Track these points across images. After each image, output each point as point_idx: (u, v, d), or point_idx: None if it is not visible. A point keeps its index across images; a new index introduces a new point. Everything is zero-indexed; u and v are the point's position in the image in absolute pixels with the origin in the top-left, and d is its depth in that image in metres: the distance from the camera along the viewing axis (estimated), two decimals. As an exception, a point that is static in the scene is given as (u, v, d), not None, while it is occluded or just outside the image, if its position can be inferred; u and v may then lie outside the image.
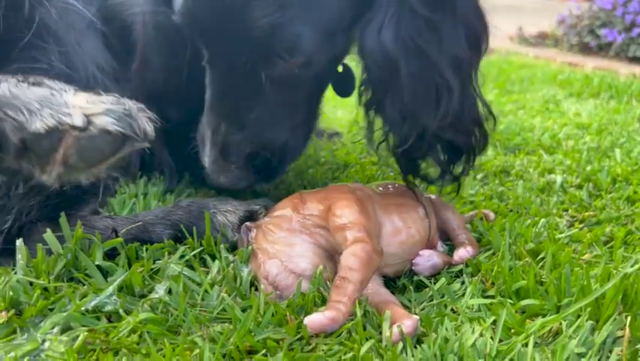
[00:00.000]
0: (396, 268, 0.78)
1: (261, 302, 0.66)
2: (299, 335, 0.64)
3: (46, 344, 0.62)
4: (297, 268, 0.70)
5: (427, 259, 0.79)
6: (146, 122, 0.67)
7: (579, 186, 1.17)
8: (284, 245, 0.72)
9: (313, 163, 1.15)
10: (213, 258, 0.77)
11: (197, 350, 0.59)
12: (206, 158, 0.82)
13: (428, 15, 0.74)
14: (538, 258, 0.82)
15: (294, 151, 0.88)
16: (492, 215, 0.95)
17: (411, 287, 0.76)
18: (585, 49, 3.29)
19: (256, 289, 0.71)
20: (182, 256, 0.76)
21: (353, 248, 0.68)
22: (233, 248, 0.79)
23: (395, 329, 0.62)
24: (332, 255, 0.73)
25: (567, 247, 0.86)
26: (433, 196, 0.92)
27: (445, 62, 0.76)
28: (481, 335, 0.64)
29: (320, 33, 0.76)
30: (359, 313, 0.63)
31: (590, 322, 0.66)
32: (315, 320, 0.61)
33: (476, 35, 0.81)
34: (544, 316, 0.69)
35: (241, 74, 0.77)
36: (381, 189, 0.85)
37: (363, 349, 0.60)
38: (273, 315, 0.65)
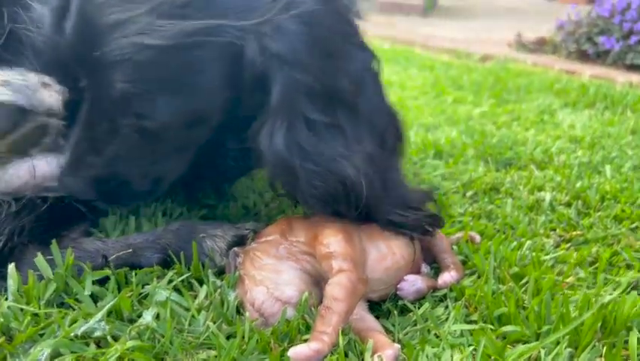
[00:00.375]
0: (382, 293, 0.79)
1: (246, 329, 0.68)
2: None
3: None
4: (283, 295, 0.71)
5: (412, 284, 0.81)
6: (49, 95, 0.66)
7: (568, 204, 1.19)
8: (271, 272, 0.73)
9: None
10: (201, 283, 0.79)
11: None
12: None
13: (322, 119, 0.75)
14: (522, 282, 0.84)
15: (139, 190, 0.86)
16: (478, 238, 0.97)
17: (395, 311, 0.77)
18: (583, 56, 3.29)
19: (242, 315, 0.72)
20: (170, 281, 0.77)
21: (338, 278, 0.70)
22: (220, 273, 0.80)
23: (376, 359, 0.64)
24: (318, 281, 0.75)
25: (551, 270, 0.88)
26: None
27: (353, 158, 0.77)
28: (460, 363, 0.65)
29: (181, 108, 0.76)
30: (342, 343, 0.65)
31: (569, 349, 0.68)
32: (300, 351, 0.63)
33: (381, 133, 0.83)
34: (524, 343, 0.71)
35: (105, 110, 0.77)
36: None
37: (344, 378, 0.61)
38: (257, 342, 0.67)
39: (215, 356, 0.65)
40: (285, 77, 0.73)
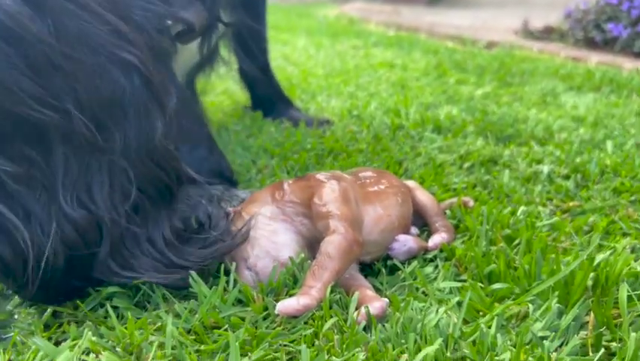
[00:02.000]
0: (375, 256, 0.78)
1: (231, 280, 0.67)
2: (265, 313, 0.64)
3: (16, 316, 0.63)
4: (281, 256, 0.70)
5: (403, 244, 0.79)
6: None
7: (566, 177, 1.17)
8: (266, 231, 0.72)
9: (298, 149, 1.15)
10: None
11: (160, 324, 0.59)
12: None
13: None
14: (514, 244, 0.82)
15: None
16: (471, 202, 0.95)
17: (384, 271, 0.76)
18: (591, 43, 3.25)
19: (226, 273, 0.71)
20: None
21: (334, 237, 0.68)
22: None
23: (362, 309, 0.63)
24: (312, 243, 0.73)
25: (545, 235, 0.86)
26: (410, 182, 0.92)
27: None
28: (447, 315, 0.64)
29: None
30: (328, 295, 0.64)
31: (558, 305, 0.66)
32: (289, 305, 0.61)
33: None
34: (514, 300, 0.69)
35: None
36: (360, 175, 0.85)
37: (326, 326, 0.60)
38: (239, 292, 0.66)
39: (197, 305, 0.64)
40: None
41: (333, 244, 0.68)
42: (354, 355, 0.54)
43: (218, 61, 1.18)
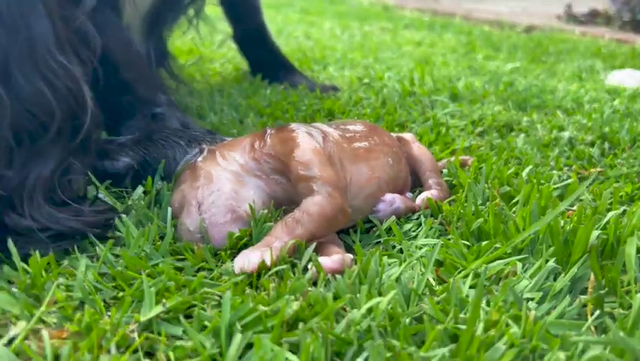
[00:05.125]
0: (355, 221, 0.68)
1: (168, 226, 0.58)
2: (202, 264, 0.55)
3: None
4: (238, 209, 0.60)
5: (390, 204, 0.69)
6: None
7: (591, 144, 1.04)
8: (234, 179, 0.61)
9: (291, 108, 1.06)
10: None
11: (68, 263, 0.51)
12: None
13: None
14: (512, 202, 0.71)
15: None
16: (471, 160, 0.84)
17: (358, 228, 0.66)
18: (638, 26, 3.05)
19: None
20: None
21: (319, 198, 0.58)
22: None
23: (319, 259, 0.53)
24: (285, 205, 0.63)
25: (549, 190, 0.74)
26: (407, 135, 0.81)
27: None
28: (412, 270, 0.54)
29: None
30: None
31: (555, 265, 0.55)
32: (251, 261, 0.52)
33: None
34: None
35: None
36: (348, 128, 0.74)
37: (265, 275, 0.51)
38: (174, 241, 0.57)
39: (124, 250, 0.56)
40: None
41: (317, 206, 0.58)
42: (286, 303, 0.45)
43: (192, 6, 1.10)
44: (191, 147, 0.70)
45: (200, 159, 0.64)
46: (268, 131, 0.64)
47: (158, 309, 0.46)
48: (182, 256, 0.57)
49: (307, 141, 0.63)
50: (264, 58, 1.34)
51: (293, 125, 0.65)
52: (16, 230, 0.54)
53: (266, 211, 0.59)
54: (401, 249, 0.61)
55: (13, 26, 0.55)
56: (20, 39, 0.55)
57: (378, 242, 0.64)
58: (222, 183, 0.60)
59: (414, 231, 0.66)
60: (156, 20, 1.03)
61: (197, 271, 0.54)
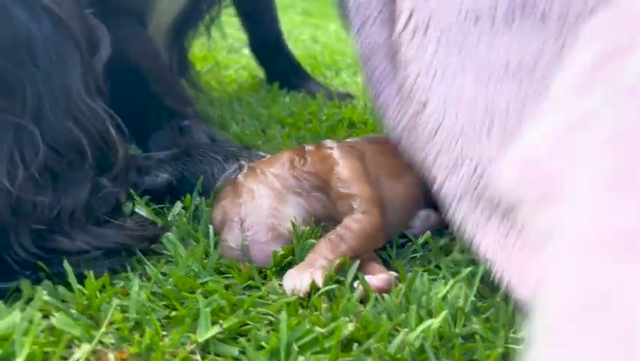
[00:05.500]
0: (392, 236, 0.69)
1: (211, 244, 0.60)
2: (249, 282, 0.56)
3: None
4: (280, 227, 0.60)
5: (425, 219, 0.70)
6: None
7: None
8: (275, 196, 0.62)
9: (312, 118, 1.07)
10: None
11: (121, 283, 0.52)
12: None
13: None
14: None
15: None
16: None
17: (394, 244, 0.67)
18: None
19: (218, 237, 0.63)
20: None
21: (361, 216, 0.59)
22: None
23: (367, 278, 0.54)
24: (324, 222, 0.63)
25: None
26: None
27: None
28: (458, 288, 0.55)
29: None
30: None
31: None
32: (303, 282, 0.53)
33: None
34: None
35: None
36: (380, 143, 0.75)
37: (315, 295, 0.52)
38: (219, 258, 0.58)
39: (171, 268, 0.57)
40: None
41: (357, 223, 0.59)
42: (340, 325, 0.46)
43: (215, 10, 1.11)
44: (228, 162, 0.71)
45: (240, 175, 0.65)
46: (307, 148, 0.65)
47: (215, 330, 0.47)
48: (228, 274, 0.58)
49: (346, 159, 0.64)
50: (280, 66, 1.35)
51: (330, 143, 0.66)
52: (66, 252, 0.55)
53: (307, 228, 0.60)
54: (437, 265, 0.63)
55: (49, 71, 0.56)
56: (55, 84, 0.57)
57: (414, 257, 0.65)
58: (264, 201, 0.61)
59: (448, 245, 0.67)
60: (179, 31, 1.04)
61: (244, 289, 0.56)
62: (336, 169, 0.62)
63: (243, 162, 0.66)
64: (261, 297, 0.54)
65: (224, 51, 1.70)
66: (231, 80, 1.43)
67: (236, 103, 1.19)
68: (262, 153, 0.75)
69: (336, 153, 0.64)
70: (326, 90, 1.31)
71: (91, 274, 0.51)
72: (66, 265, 0.51)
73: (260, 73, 1.45)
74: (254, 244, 0.60)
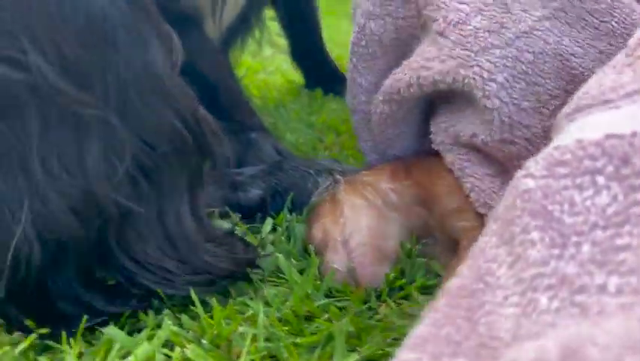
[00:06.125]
0: None
1: (315, 264, 0.58)
2: (366, 306, 0.55)
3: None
4: (386, 248, 0.58)
5: None
6: None
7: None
8: (377, 215, 0.60)
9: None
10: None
11: (249, 312, 0.51)
12: None
13: None
14: None
15: None
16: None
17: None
18: None
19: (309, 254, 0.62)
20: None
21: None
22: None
23: None
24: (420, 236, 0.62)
25: None
26: None
27: None
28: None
29: None
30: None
31: None
32: None
33: None
34: None
35: None
36: None
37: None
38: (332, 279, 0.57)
39: (287, 292, 0.56)
40: None
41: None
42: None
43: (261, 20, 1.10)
44: (321, 176, 0.70)
45: (339, 191, 0.63)
46: (407, 162, 0.64)
47: (353, 357, 0.46)
48: (339, 297, 0.56)
49: (446, 177, 0.63)
50: (322, 72, 1.33)
51: (430, 157, 0.65)
52: (175, 274, 0.53)
53: (417, 247, 0.59)
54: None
55: (130, 54, 0.51)
56: (138, 65, 0.51)
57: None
58: (366, 219, 0.60)
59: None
60: (233, 36, 1.02)
61: (361, 311, 0.54)
62: (442, 183, 0.61)
63: (338, 177, 0.65)
64: (380, 320, 0.53)
65: (249, 55, 1.68)
66: (270, 86, 1.42)
67: (282, 110, 1.17)
68: (351, 167, 0.73)
69: (439, 167, 0.63)
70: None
71: (214, 301, 0.50)
72: (192, 293, 0.49)
73: (294, 77, 1.44)
74: (360, 266, 0.58)
